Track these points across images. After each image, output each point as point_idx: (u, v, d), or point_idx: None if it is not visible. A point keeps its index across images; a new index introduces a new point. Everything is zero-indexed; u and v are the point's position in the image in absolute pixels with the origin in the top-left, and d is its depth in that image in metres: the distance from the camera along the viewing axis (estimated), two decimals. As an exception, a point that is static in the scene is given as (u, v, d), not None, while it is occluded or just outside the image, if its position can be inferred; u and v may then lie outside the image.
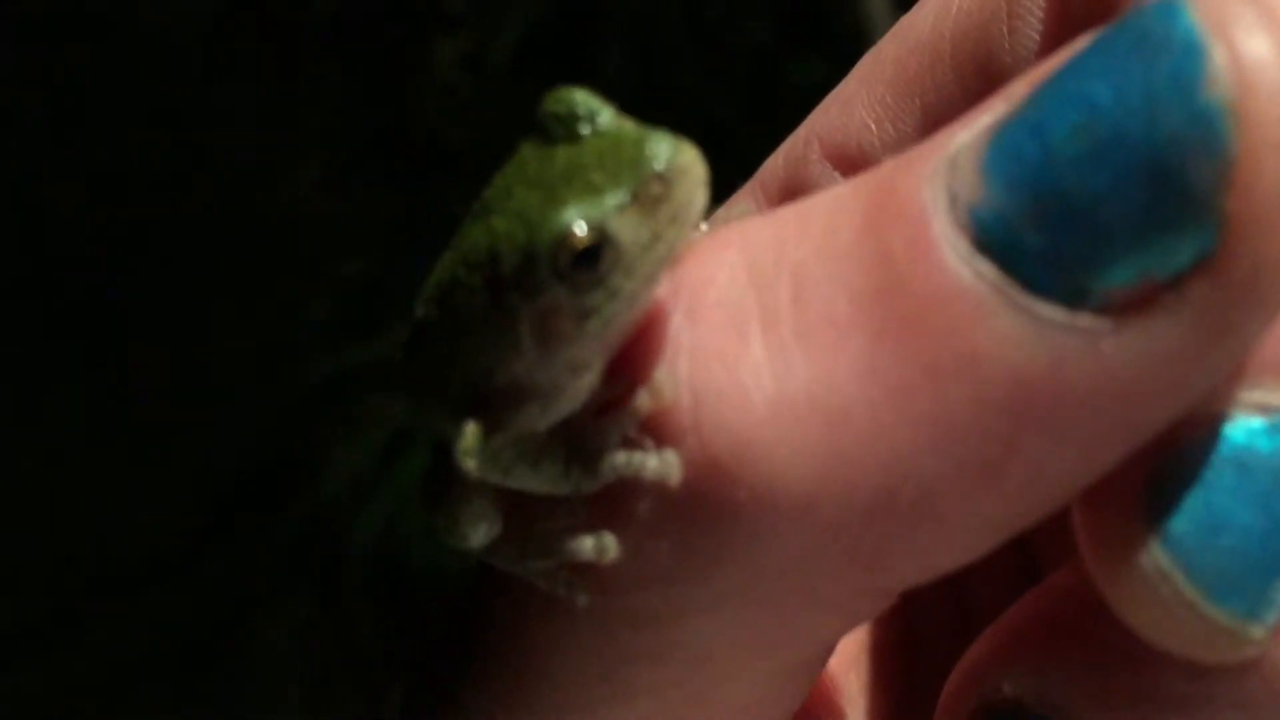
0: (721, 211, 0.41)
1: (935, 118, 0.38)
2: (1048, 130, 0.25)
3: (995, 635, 0.33)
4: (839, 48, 2.32)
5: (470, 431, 0.30)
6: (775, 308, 0.27)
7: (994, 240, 0.25)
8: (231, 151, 2.62)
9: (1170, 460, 0.27)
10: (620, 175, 0.30)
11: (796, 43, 2.46)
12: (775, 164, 0.44)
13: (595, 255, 0.29)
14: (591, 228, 0.29)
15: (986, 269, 0.25)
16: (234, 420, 2.56)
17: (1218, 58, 0.23)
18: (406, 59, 2.60)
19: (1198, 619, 0.26)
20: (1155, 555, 0.26)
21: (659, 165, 0.30)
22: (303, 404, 2.55)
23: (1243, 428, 0.26)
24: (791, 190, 0.42)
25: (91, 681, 2.36)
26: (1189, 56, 0.23)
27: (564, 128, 0.31)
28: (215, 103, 2.59)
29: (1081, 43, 0.26)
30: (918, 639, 0.42)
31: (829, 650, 0.33)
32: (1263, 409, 0.26)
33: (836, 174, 0.41)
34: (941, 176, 0.26)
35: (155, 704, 2.35)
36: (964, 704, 0.32)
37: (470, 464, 0.30)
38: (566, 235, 0.29)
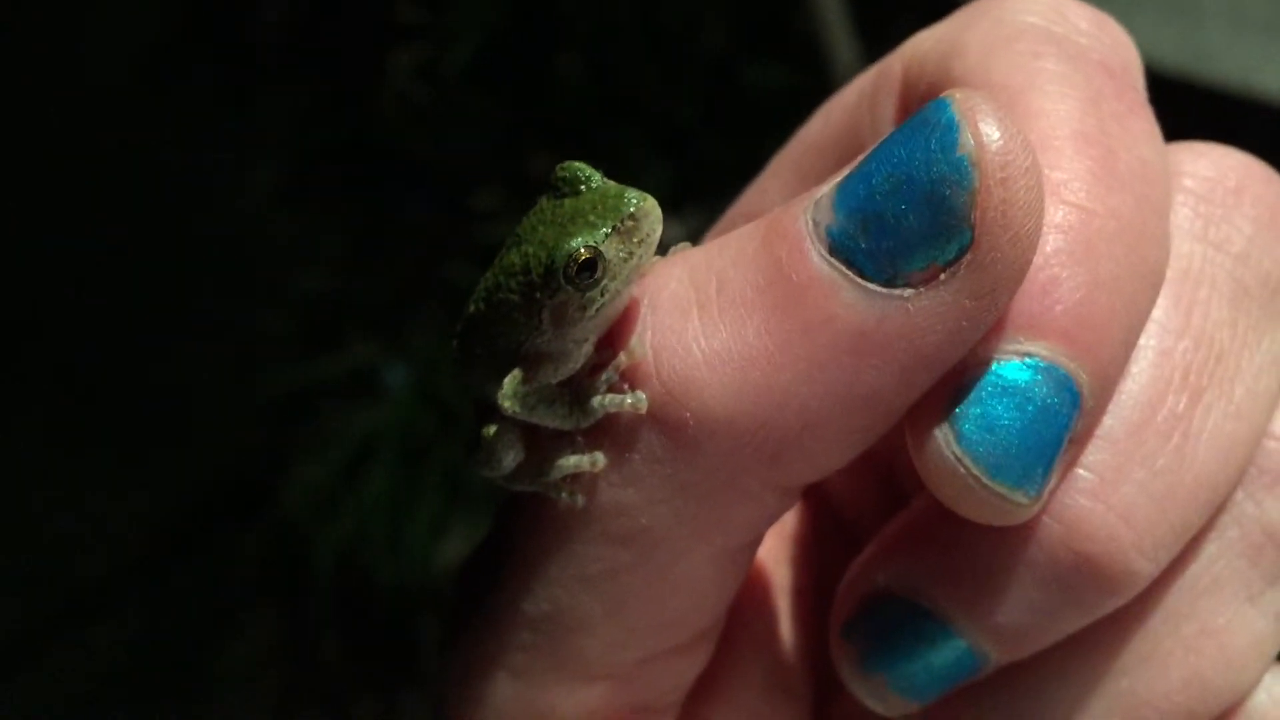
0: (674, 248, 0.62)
1: None
2: (870, 177, 0.40)
3: (873, 545, 0.48)
4: (794, 53, 2.33)
5: (511, 378, 0.44)
6: (707, 296, 0.42)
7: (841, 247, 0.39)
8: (185, 167, 2.60)
9: (959, 387, 0.41)
10: (607, 215, 0.44)
11: (751, 49, 2.47)
12: (717, 230, 0.59)
13: (592, 266, 0.43)
14: (589, 248, 0.43)
15: (837, 264, 0.39)
16: (195, 437, 2.53)
17: (966, 131, 0.38)
18: (362, 70, 2.58)
19: (983, 489, 0.40)
20: (953, 448, 0.40)
21: (631, 208, 0.44)
22: (264, 419, 2.53)
23: (1006, 365, 0.40)
24: None
25: (58, 703, 2.33)
26: (950, 130, 0.38)
27: (569, 187, 0.46)
28: (168, 118, 2.56)
29: (894, 128, 0.41)
30: (830, 547, 0.58)
31: (755, 543, 0.47)
32: (1017, 354, 0.40)
33: None
34: (810, 211, 0.41)
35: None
36: (854, 593, 0.47)
37: (508, 404, 0.44)
38: (574, 253, 0.43)
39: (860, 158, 0.41)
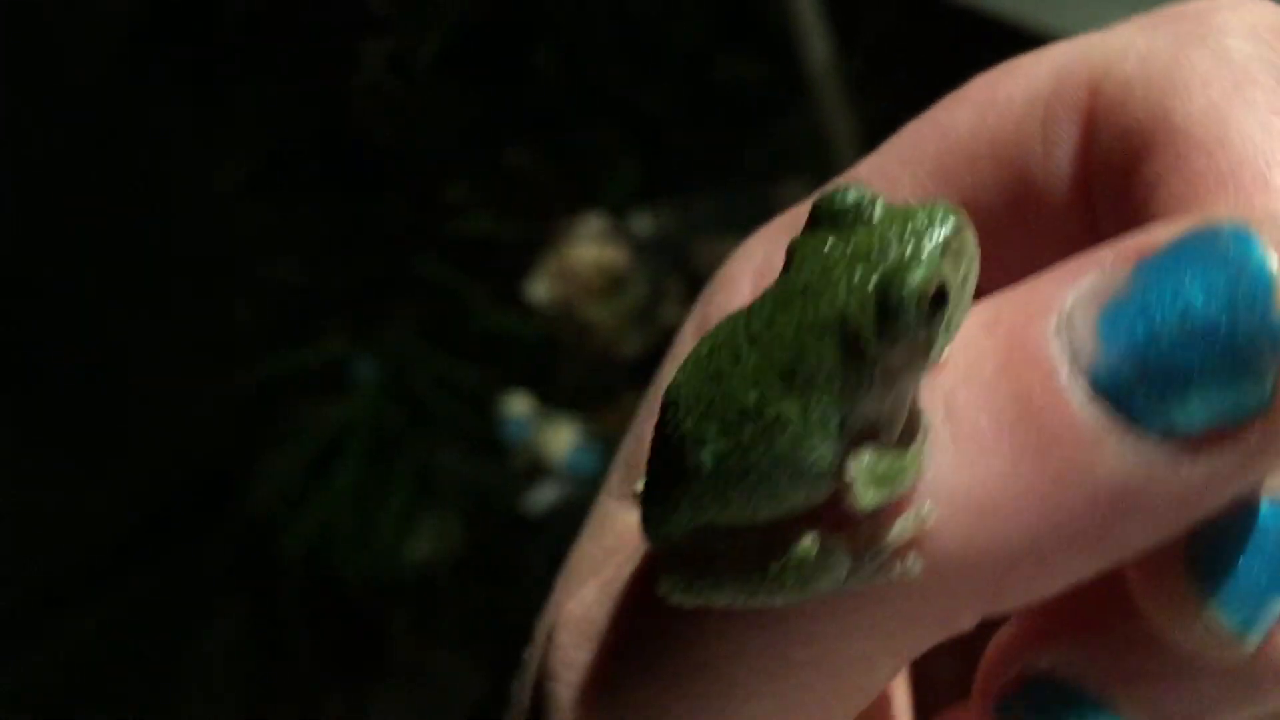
0: None
1: (971, 209, 0.47)
2: (1154, 318, 0.33)
3: (1037, 618, 0.42)
4: (767, 46, 2.34)
5: (865, 460, 0.35)
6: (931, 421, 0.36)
7: (1108, 390, 0.33)
8: (153, 156, 2.57)
9: (1211, 529, 0.35)
10: (928, 236, 0.36)
11: (726, 42, 2.47)
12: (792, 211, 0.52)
13: (941, 298, 0.35)
14: (936, 277, 0.35)
15: (1101, 409, 0.33)
16: (162, 429, 2.51)
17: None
18: (332, 60, 2.57)
19: (1208, 633, 0.35)
20: (1193, 592, 0.35)
21: (951, 224, 0.36)
22: (232, 412, 2.51)
23: (1270, 511, 0.35)
24: None
25: (23, 697, 2.31)
26: (1261, 282, 0.32)
27: (854, 215, 0.37)
28: (135, 106, 2.54)
29: (1164, 235, 0.34)
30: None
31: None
32: None
33: None
34: (1064, 334, 0.34)
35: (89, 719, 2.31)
36: (1010, 668, 0.40)
37: (872, 494, 0.35)
38: (921, 287, 0.35)
39: (1123, 265, 0.35)
